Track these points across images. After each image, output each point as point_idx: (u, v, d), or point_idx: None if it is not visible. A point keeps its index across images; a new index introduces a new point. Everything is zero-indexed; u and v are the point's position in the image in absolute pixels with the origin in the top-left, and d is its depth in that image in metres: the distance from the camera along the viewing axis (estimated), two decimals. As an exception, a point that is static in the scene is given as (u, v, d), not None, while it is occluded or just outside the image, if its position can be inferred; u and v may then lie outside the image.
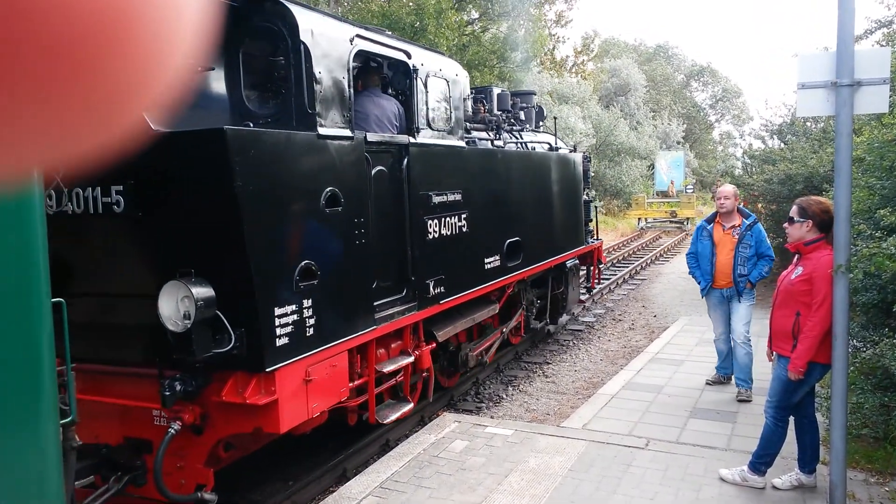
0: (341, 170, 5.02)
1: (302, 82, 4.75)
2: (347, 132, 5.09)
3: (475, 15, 25.73)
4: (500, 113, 8.84)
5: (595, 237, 11.33)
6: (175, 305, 4.09)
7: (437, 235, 6.24)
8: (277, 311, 4.37)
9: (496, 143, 8.36)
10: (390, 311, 5.67)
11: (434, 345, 6.57)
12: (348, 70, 5.11)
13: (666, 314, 12.98)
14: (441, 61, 6.53)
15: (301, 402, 4.62)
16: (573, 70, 44.70)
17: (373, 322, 5.36)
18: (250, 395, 4.31)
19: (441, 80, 6.45)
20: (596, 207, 11.68)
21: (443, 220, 6.34)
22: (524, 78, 26.47)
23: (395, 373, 5.95)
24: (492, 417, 7.37)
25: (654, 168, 39.84)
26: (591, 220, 11.01)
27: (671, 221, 32.18)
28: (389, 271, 5.76)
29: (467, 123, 7.95)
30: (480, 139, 8.17)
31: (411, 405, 6.10)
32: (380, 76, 6.13)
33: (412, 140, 5.92)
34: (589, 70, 46.19)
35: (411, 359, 5.99)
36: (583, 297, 11.64)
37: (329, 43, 4.94)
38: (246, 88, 5.04)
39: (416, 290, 5.97)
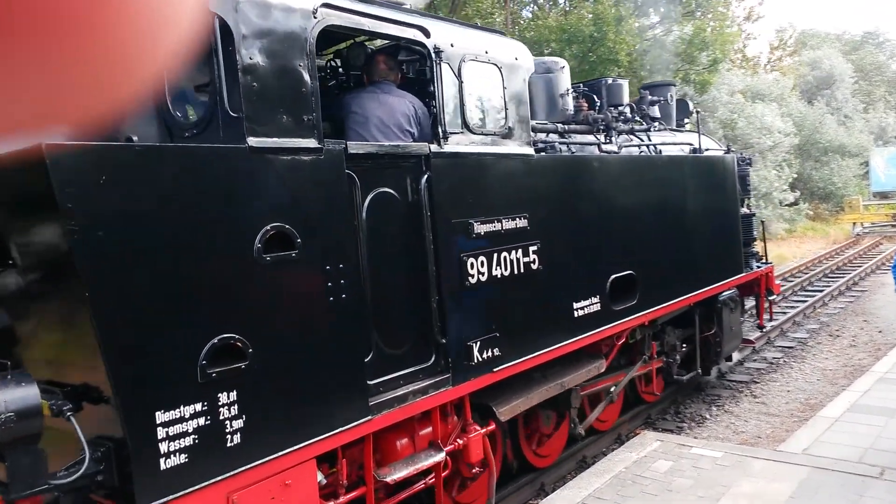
0: (298, 197, 3.49)
1: (221, 74, 3.30)
2: (311, 142, 3.56)
3: (656, 19, 23.98)
4: (611, 109, 6.88)
5: (764, 260, 8.85)
6: (-7, 414, 2.75)
7: (484, 278, 4.51)
8: (162, 417, 2.90)
9: (605, 146, 6.43)
10: (404, 391, 4.02)
11: (493, 426, 4.82)
12: (309, 54, 3.59)
13: (894, 329, 11.48)
14: (486, 41, 4.79)
15: (218, 547, 3.11)
16: (768, 67, 40.44)
17: (366, 410, 3.75)
18: (120, 546, 2.87)
19: (488, 66, 4.71)
20: (762, 222, 9.19)
21: (494, 255, 4.59)
22: (712, 79, 24.11)
23: (421, 475, 4.28)
24: (695, 438, 6.93)
25: (868, 167, 34.71)
26: (754, 239, 8.58)
27: (894, 226, 27.70)
28: (404, 333, 4.13)
29: (560, 125, 6.18)
30: (583, 144, 6.31)
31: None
32: (392, 67, 4.53)
33: (435, 149, 4.27)
34: (786, 65, 41.55)
35: (442, 455, 4.26)
36: (751, 338, 9.16)
37: (268, 16, 3.43)
38: (170, 92, 3.67)
39: (451, 357, 4.28)
